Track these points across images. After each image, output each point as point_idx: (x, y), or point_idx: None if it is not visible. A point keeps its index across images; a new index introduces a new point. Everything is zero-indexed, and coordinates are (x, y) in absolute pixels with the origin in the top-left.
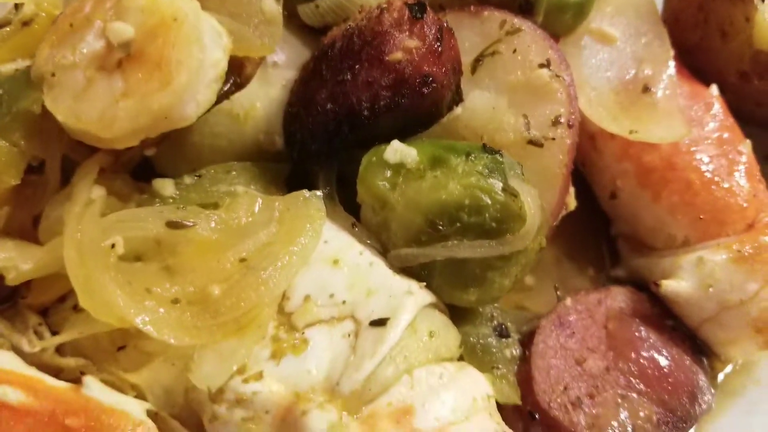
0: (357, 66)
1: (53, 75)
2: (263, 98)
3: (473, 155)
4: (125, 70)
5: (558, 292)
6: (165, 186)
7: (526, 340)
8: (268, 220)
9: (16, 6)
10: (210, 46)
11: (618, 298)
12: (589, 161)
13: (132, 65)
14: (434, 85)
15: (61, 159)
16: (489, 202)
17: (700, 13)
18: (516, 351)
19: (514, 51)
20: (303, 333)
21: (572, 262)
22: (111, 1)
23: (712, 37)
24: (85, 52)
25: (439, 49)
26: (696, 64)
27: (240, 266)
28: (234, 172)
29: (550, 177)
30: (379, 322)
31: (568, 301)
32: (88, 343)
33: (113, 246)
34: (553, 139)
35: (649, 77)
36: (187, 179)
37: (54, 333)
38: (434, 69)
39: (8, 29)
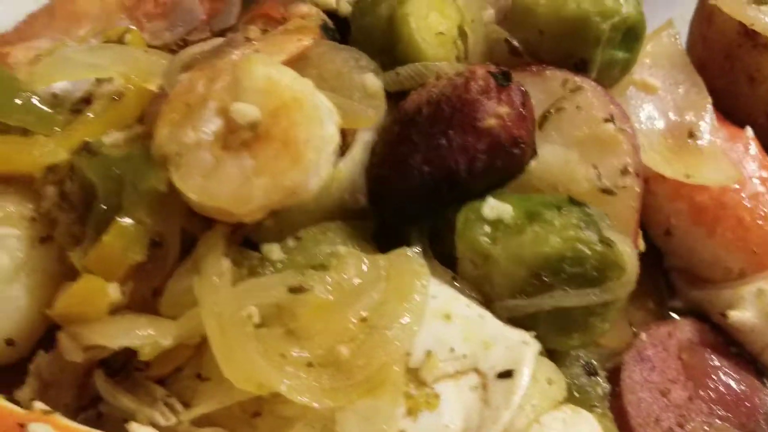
0: (451, 132)
1: (179, 155)
2: (346, 160)
3: (564, 209)
4: (253, 149)
5: (633, 328)
6: (273, 251)
7: (611, 376)
8: (376, 278)
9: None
10: (327, 122)
11: (685, 329)
12: (643, 202)
13: (259, 144)
14: (523, 145)
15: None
16: (589, 253)
17: (727, 61)
18: (605, 388)
19: (578, 107)
20: (432, 388)
21: (633, 296)
22: (224, 81)
23: (740, 83)
24: (207, 132)
25: (525, 112)
26: (724, 107)
27: (362, 326)
28: (330, 233)
29: (623, 222)
30: (506, 374)
31: (644, 336)
32: (219, 412)
33: (249, 316)
34: (624, 187)
35: (692, 124)
36: (290, 242)
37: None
38: (522, 131)
39: (99, 103)
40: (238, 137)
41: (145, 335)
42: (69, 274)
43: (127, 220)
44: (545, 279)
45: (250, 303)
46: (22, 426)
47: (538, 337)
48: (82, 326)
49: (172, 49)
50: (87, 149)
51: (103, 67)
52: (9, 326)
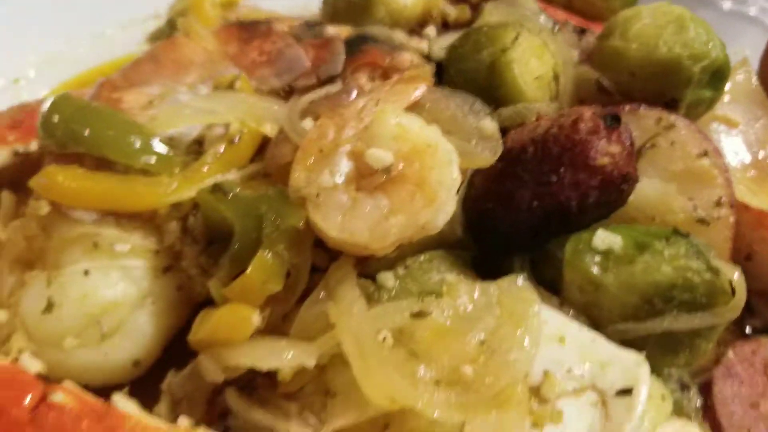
0: (561, 169)
1: (318, 197)
2: None
3: (672, 239)
4: (388, 190)
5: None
6: (388, 279)
7: (702, 391)
8: (488, 304)
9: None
10: (454, 164)
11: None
12: None
13: (393, 186)
14: (631, 181)
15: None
16: (698, 280)
17: None
18: (698, 402)
19: (672, 143)
20: (554, 404)
21: None
22: (354, 129)
23: None
24: (342, 174)
25: (632, 150)
26: None
27: (482, 349)
28: (435, 261)
29: (718, 250)
30: (625, 392)
31: (731, 353)
32: (351, 426)
33: (385, 339)
34: (718, 218)
35: None
36: (400, 270)
37: None
38: (631, 168)
39: (219, 146)
40: (371, 179)
41: (290, 358)
42: (187, 300)
43: (268, 255)
44: (656, 305)
45: (381, 327)
46: None
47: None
48: (225, 349)
49: (279, 94)
50: (220, 190)
51: (220, 113)
52: (136, 349)
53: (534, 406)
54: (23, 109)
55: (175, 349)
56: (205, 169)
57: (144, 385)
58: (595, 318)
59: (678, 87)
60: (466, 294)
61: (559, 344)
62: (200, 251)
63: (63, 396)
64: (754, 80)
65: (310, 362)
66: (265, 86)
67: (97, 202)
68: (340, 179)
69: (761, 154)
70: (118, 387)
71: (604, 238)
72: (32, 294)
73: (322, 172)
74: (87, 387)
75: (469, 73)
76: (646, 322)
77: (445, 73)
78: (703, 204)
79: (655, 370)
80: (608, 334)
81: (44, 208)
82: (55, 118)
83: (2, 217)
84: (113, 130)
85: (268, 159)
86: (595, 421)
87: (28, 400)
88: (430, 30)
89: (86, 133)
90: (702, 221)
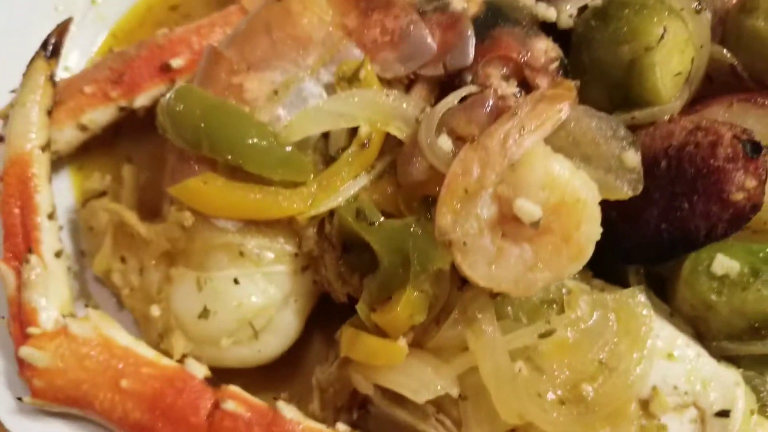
0: (695, 197)
1: (465, 244)
2: None
3: None
4: (533, 242)
5: None
6: None
7: None
8: (605, 318)
9: None
10: (597, 209)
11: None
12: None
13: (540, 238)
14: (759, 208)
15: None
16: None
17: None
18: None
19: None
20: (659, 419)
21: None
22: (499, 167)
23: None
24: (486, 220)
25: (766, 179)
26: None
27: (601, 368)
28: None
29: None
30: (723, 413)
31: None
32: None
33: (519, 369)
34: None
35: None
36: None
37: None
38: (762, 198)
39: (350, 151)
40: (517, 226)
41: (438, 389)
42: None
43: (415, 294)
44: (761, 331)
45: (511, 347)
46: None
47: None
48: (377, 372)
49: (402, 81)
50: (364, 218)
51: (353, 116)
52: (284, 343)
53: (643, 422)
54: (122, 58)
55: None
56: (339, 178)
57: None
58: (700, 332)
59: None
60: (586, 304)
61: (668, 360)
62: (337, 257)
63: (234, 404)
64: None
65: (454, 392)
66: (388, 73)
67: (241, 213)
68: (486, 225)
69: None
70: None
71: (723, 263)
72: (184, 295)
73: (469, 217)
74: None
75: (605, 66)
76: (749, 344)
77: (574, 51)
78: None
79: (748, 382)
80: (710, 348)
81: (189, 220)
82: (184, 116)
83: (128, 191)
84: (250, 138)
85: (400, 173)
86: None
87: (203, 407)
88: None
89: (223, 142)
90: None
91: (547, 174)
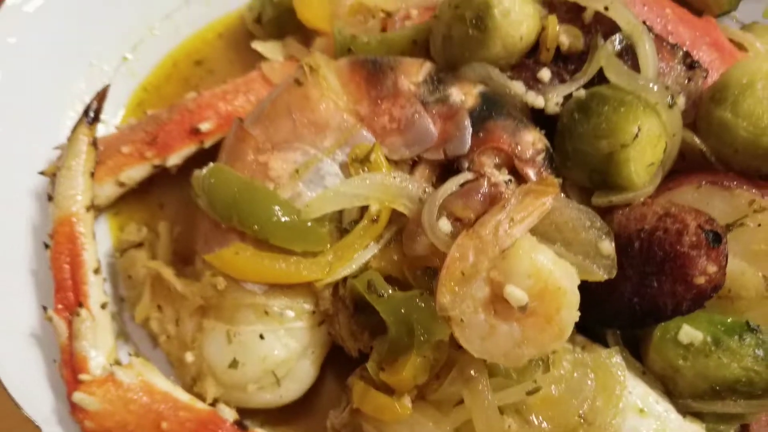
0: (663, 277)
1: (462, 321)
2: None
3: (744, 335)
4: (521, 322)
5: None
6: None
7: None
8: (585, 375)
9: None
10: (576, 293)
11: None
12: None
13: (527, 319)
14: (720, 289)
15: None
16: (758, 379)
17: None
18: None
19: (759, 225)
20: None
21: None
22: (492, 254)
23: None
24: (480, 300)
25: (726, 266)
26: None
27: (581, 421)
28: None
29: None
30: None
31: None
32: None
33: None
34: None
35: None
36: None
37: None
38: (723, 280)
39: (362, 225)
40: (507, 307)
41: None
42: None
43: (418, 359)
44: (721, 393)
45: (502, 404)
46: None
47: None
48: (386, 425)
49: (407, 162)
50: (375, 290)
51: (365, 197)
52: (303, 388)
53: None
54: (155, 121)
55: None
56: (352, 249)
57: None
58: (669, 389)
59: None
60: (569, 363)
61: (639, 415)
62: (350, 317)
63: None
64: None
65: None
66: (395, 155)
67: (266, 278)
68: (480, 304)
69: None
70: None
71: (688, 332)
72: (215, 346)
73: (465, 297)
74: None
75: (586, 155)
76: (711, 404)
77: (559, 137)
78: None
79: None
80: (677, 405)
81: (222, 284)
82: (216, 193)
83: (163, 246)
84: (274, 215)
85: (405, 247)
86: None
87: None
88: (544, 73)
89: (251, 218)
90: None
91: (532, 264)
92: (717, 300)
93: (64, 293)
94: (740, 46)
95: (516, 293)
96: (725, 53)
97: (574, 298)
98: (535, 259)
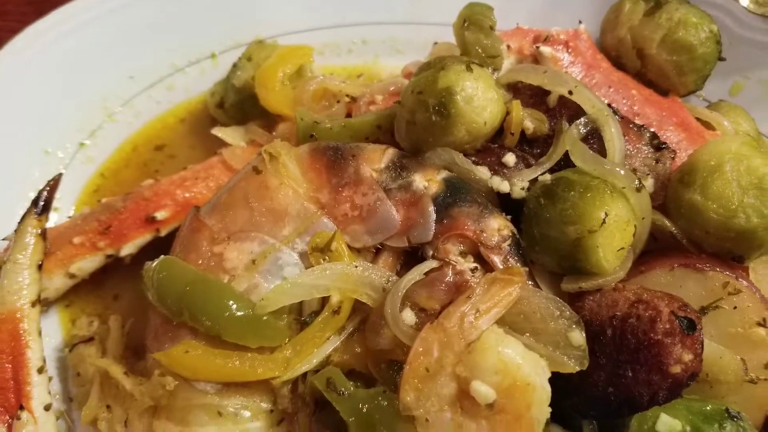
0: (637, 366)
1: (427, 420)
2: None
3: (724, 424)
4: (489, 419)
5: None
6: None
7: None
8: None
9: None
10: (547, 387)
11: None
12: None
13: (495, 417)
14: (697, 377)
15: None
16: None
17: None
18: None
19: (735, 308)
20: None
21: None
22: (458, 347)
23: None
24: (446, 397)
25: (703, 353)
26: None
27: None
28: None
29: (760, 406)
30: None
31: None
32: None
33: None
34: (765, 379)
35: None
36: None
37: None
38: (699, 367)
39: (322, 317)
40: (474, 404)
41: None
42: None
43: None
44: None
45: None
46: None
47: None
48: None
49: (370, 250)
50: (334, 389)
51: (325, 287)
52: None
53: None
54: (109, 210)
55: None
56: (312, 343)
57: None
58: None
59: (749, 250)
60: None
61: None
62: (310, 415)
63: None
64: None
65: None
66: (357, 243)
67: (219, 377)
68: (446, 402)
69: None
70: None
71: (666, 422)
72: None
73: (430, 394)
74: None
75: (553, 241)
76: None
77: (526, 222)
78: (753, 366)
79: None
80: None
81: (171, 384)
82: (167, 287)
83: (114, 341)
84: (227, 311)
85: (369, 340)
86: None
87: None
88: (509, 158)
89: (202, 313)
90: (751, 381)
91: (500, 359)
92: (696, 384)
93: (5, 395)
94: (707, 125)
95: (483, 390)
96: (693, 133)
97: (545, 393)
98: (503, 353)
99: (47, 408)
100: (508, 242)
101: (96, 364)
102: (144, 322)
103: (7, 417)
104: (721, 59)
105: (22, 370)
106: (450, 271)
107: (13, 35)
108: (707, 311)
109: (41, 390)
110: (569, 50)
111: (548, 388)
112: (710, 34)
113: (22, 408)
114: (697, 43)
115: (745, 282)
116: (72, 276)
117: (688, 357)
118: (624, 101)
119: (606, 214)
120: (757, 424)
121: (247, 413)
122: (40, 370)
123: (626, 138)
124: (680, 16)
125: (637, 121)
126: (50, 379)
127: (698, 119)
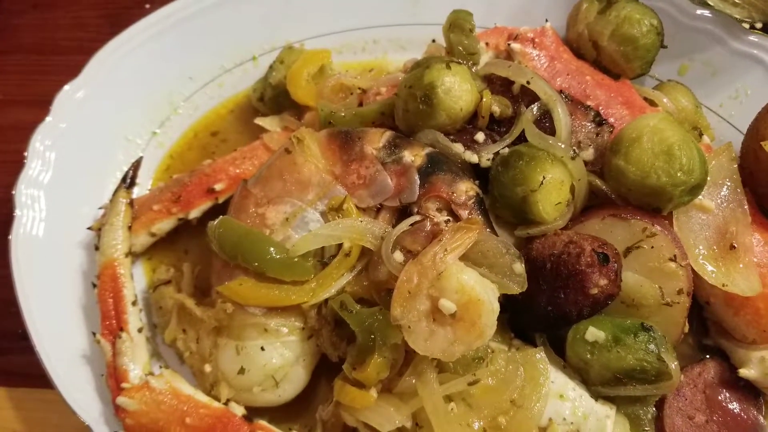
0: (567, 290)
1: (409, 327)
2: None
3: (638, 334)
4: (452, 326)
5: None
6: None
7: (658, 405)
8: (516, 369)
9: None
10: (495, 303)
11: (710, 369)
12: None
13: (456, 323)
14: (614, 297)
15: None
16: (650, 368)
17: None
18: (653, 413)
19: (652, 247)
20: None
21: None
22: (431, 276)
23: None
24: (423, 311)
25: (618, 279)
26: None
27: (512, 405)
28: None
29: (676, 323)
30: None
31: (682, 376)
32: None
33: (452, 408)
34: (678, 303)
35: (733, 237)
36: None
37: None
38: (615, 291)
39: (338, 259)
40: (442, 315)
41: (397, 423)
42: (320, 351)
43: (379, 359)
44: (622, 379)
45: (448, 392)
46: None
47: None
48: (358, 411)
49: (372, 209)
50: (346, 308)
51: (339, 237)
52: (297, 389)
53: None
54: (178, 184)
55: None
56: (331, 277)
57: None
58: (584, 378)
59: (662, 203)
60: (503, 360)
61: (559, 399)
62: (331, 331)
63: None
64: (734, 164)
65: (408, 425)
66: (362, 204)
67: (264, 302)
68: (422, 315)
69: (725, 235)
70: None
71: (593, 332)
72: (227, 358)
73: (411, 310)
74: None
75: (508, 199)
76: (615, 388)
77: (490, 185)
78: (669, 292)
79: (623, 410)
80: (591, 391)
81: (230, 308)
82: (225, 239)
83: (186, 282)
84: (269, 254)
85: (371, 274)
86: None
87: None
88: (479, 136)
89: (250, 257)
90: (666, 304)
91: (459, 283)
92: (626, 308)
93: (109, 321)
94: (653, 103)
95: (447, 305)
96: (635, 109)
97: (491, 307)
98: (462, 278)
99: (140, 330)
100: (473, 200)
101: (174, 298)
102: (207, 269)
103: (112, 337)
104: (663, 47)
105: (121, 302)
106: (429, 223)
107: (93, 44)
108: (631, 251)
109: (134, 317)
110: (535, 46)
111: (495, 304)
112: (651, 27)
113: (122, 330)
114: (639, 35)
115: (659, 227)
116: (153, 235)
117: (603, 282)
118: (579, 85)
119: (544, 177)
120: (676, 337)
121: (285, 329)
122: (134, 303)
123: (573, 117)
124: (626, 13)
125: (589, 102)
126: (140, 310)
127: (645, 98)
